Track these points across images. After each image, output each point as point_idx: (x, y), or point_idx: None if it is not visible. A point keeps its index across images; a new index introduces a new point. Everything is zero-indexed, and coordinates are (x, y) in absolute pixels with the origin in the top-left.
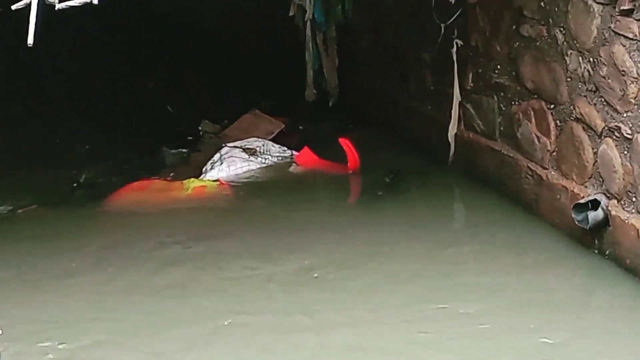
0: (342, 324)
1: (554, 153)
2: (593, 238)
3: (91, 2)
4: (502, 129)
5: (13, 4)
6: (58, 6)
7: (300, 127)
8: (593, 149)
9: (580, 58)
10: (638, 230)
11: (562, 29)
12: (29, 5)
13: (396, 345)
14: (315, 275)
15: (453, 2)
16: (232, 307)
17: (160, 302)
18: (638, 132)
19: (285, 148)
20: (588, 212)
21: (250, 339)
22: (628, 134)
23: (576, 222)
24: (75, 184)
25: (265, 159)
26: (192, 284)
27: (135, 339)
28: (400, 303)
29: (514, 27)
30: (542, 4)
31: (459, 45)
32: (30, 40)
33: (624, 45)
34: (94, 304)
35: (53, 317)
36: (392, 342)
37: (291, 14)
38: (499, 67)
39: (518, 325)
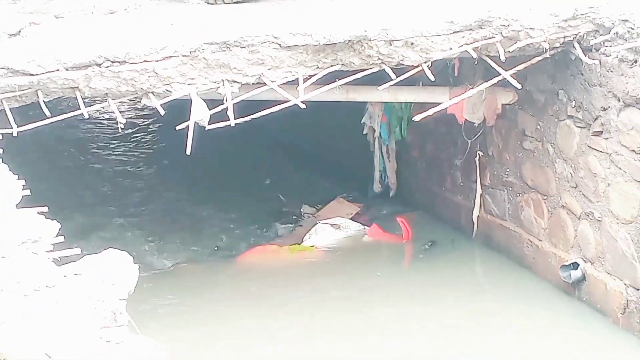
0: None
1: (547, 230)
2: (574, 289)
3: (230, 124)
4: (510, 212)
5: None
6: (208, 127)
7: (370, 210)
8: (574, 227)
9: (565, 164)
10: (605, 284)
11: (552, 144)
12: (188, 127)
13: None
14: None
15: (476, 125)
16: None
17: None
18: (605, 216)
19: (360, 224)
20: (571, 271)
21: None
22: (598, 217)
23: (562, 278)
24: (216, 247)
25: (347, 232)
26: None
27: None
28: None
29: (518, 142)
30: (538, 126)
31: (480, 155)
32: (188, 150)
33: (596, 156)
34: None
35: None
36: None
37: (365, 132)
38: (508, 170)
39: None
